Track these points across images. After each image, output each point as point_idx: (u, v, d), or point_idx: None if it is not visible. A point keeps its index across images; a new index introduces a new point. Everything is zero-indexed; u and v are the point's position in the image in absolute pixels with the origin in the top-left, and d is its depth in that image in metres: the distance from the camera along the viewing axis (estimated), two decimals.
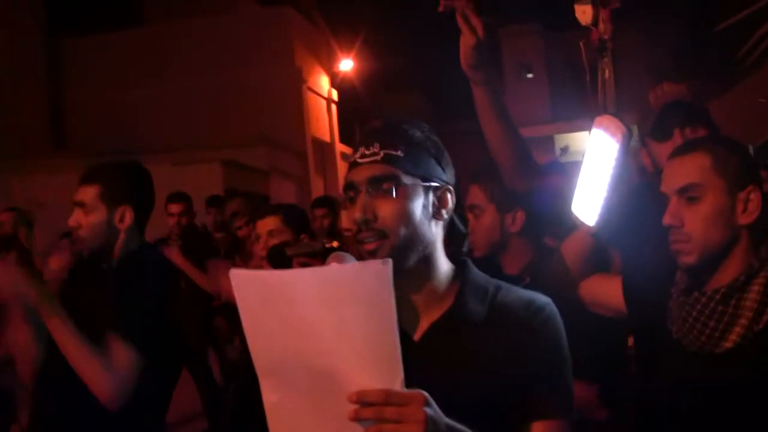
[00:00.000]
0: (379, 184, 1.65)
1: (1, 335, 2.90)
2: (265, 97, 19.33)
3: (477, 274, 1.76)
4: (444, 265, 1.74)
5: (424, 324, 1.69)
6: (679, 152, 2.12)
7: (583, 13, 4.43)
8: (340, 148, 22.35)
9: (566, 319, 1.72)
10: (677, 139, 2.77)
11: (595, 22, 4.48)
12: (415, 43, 24.14)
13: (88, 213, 2.83)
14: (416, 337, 1.68)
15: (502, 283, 1.76)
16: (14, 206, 5.64)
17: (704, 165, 2.01)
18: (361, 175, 1.67)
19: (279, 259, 2.55)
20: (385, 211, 1.64)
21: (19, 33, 18.67)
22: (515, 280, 2.24)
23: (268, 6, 20.68)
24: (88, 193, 2.85)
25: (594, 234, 2.42)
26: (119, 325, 2.64)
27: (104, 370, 2.57)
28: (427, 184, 1.67)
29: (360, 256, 1.67)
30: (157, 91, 19.53)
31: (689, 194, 2.01)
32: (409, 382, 1.57)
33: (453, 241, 1.81)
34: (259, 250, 3.54)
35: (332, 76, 22.82)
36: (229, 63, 19.44)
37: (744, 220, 1.99)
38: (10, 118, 17.48)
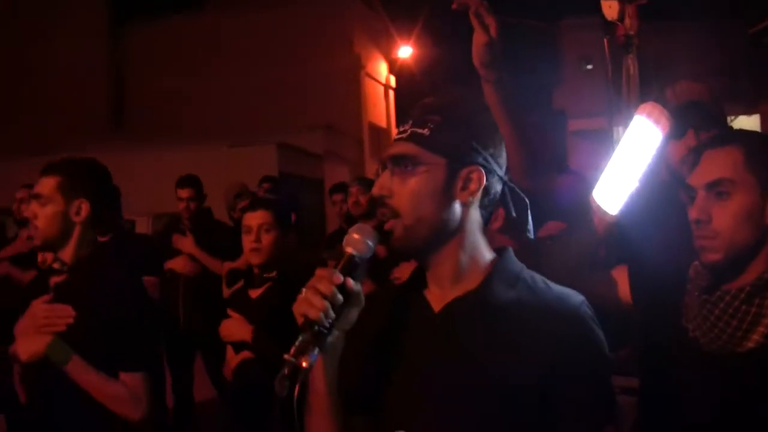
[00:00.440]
0: (399, 162, 1.65)
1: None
2: (323, 82, 19.42)
3: (512, 261, 1.72)
4: (480, 248, 1.70)
5: (446, 300, 1.67)
6: (710, 145, 2.03)
7: (609, 8, 4.34)
8: (396, 133, 22.36)
9: None
10: (690, 139, 2.69)
11: (621, 17, 4.39)
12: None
13: (44, 204, 2.85)
14: (437, 309, 1.67)
15: (538, 276, 1.71)
16: None
17: (737, 160, 1.93)
18: (388, 153, 1.69)
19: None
20: (400, 189, 1.63)
21: (81, 18, 19.02)
22: None
23: None
24: (47, 185, 2.87)
25: (615, 223, 2.34)
26: (118, 358, 2.75)
27: (129, 400, 2.71)
28: (451, 164, 1.63)
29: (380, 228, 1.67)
30: (216, 76, 19.75)
31: (719, 189, 1.93)
32: (426, 353, 1.63)
33: (507, 224, 1.81)
34: (251, 242, 3.55)
35: (391, 62, 22.82)
36: (288, 49, 19.55)
37: None
38: (72, 101, 17.85)
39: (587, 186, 2.45)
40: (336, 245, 2.80)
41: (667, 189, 2.63)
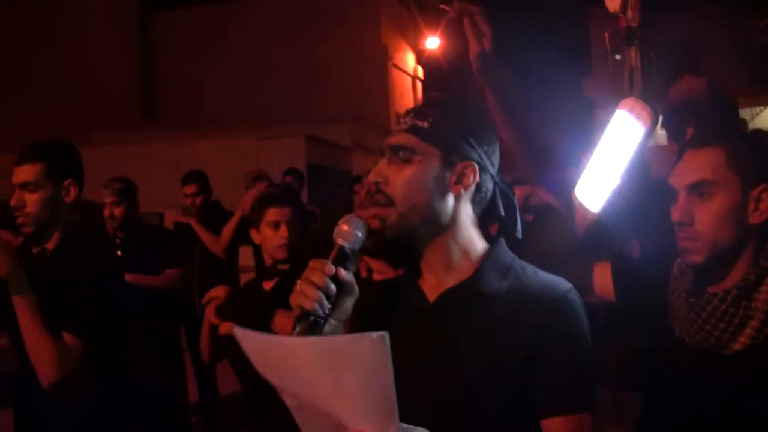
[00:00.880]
0: (396, 151, 1.70)
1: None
2: (350, 73, 19.45)
3: (503, 252, 1.77)
4: (472, 241, 1.75)
5: (440, 290, 1.73)
6: (691, 145, 2.00)
7: (612, 1, 4.30)
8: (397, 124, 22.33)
9: None
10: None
11: (623, 9, 4.34)
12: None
13: (34, 190, 2.90)
14: (431, 299, 1.74)
15: (528, 265, 1.76)
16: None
17: (718, 160, 1.90)
18: (387, 142, 1.74)
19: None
20: (396, 177, 1.68)
21: (112, 7, 19.14)
22: None
23: None
24: (32, 172, 2.91)
25: (596, 220, 2.34)
26: (70, 314, 2.77)
27: (52, 360, 2.69)
28: (446, 157, 1.69)
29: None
30: (245, 65, 19.84)
31: (701, 190, 1.91)
32: (421, 343, 1.70)
33: (485, 220, 1.81)
34: (280, 238, 3.52)
35: (418, 53, 22.78)
36: (316, 39, 19.59)
37: (755, 219, 1.89)
38: (103, 90, 17.98)
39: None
40: None
41: (650, 186, 2.59)
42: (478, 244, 1.76)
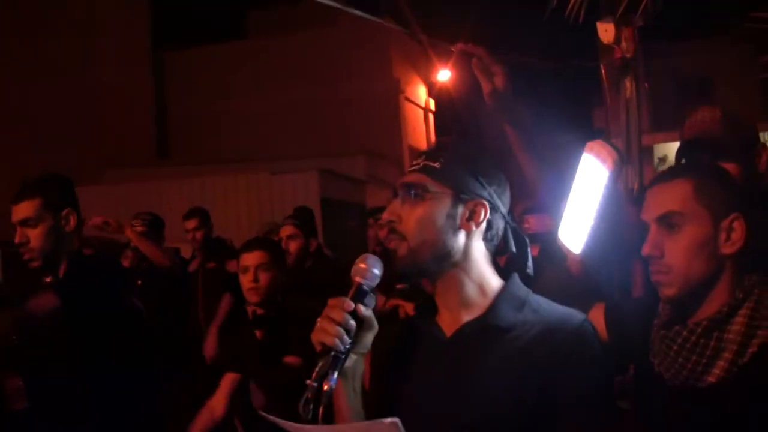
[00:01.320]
0: (409, 190, 1.77)
1: None
2: (363, 107, 19.60)
3: (518, 286, 1.82)
4: (486, 277, 1.81)
5: (457, 325, 1.78)
6: (660, 179, 2.01)
7: (605, 32, 4.29)
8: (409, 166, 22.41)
9: None
10: None
11: (617, 40, 4.34)
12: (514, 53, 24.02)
13: (35, 225, 3.00)
14: (449, 334, 1.79)
15: (542, 299, 1.81)
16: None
17: (686, 192, 1.91)
18: (400, 181, 1.82)
19: None
20: (408, 215, 1.75)
21: (125, 46, 19.35)
22: None
23: (367, 18, 20.89)
24: (30, 208, 3.01)
25: (581, 261, 2.35)
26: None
27: None
28: (457, 195, 1.76)
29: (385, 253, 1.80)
30: (258, 102, 20.02)
31: (669, 222, 1.91)
32: (438, 378, 1.75)
33: (497, 258, 1.86)
34: (249, 281, 3.65)
35: (429, 85, 22.91)
36: (328, 74, 19.77)
37: (727, 249, 1.89)
38: (117, 129, 18.13)
39: None
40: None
41: (628, 225, 2.59)
42: (492, 279, 1.81)
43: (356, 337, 1.66)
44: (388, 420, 1.46)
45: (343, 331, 1.62)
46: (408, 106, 21.31)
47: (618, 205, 2.54)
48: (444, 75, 22.41)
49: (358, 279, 1.71)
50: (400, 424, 1.45)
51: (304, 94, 19.72)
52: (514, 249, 1.87)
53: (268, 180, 14.08)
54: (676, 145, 2.88)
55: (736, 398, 1.82)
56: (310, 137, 19.00)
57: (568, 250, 2.35)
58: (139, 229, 5.69)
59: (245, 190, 13.72)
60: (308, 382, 1.58)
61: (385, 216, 1.79)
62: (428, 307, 1.86)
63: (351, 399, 1.73)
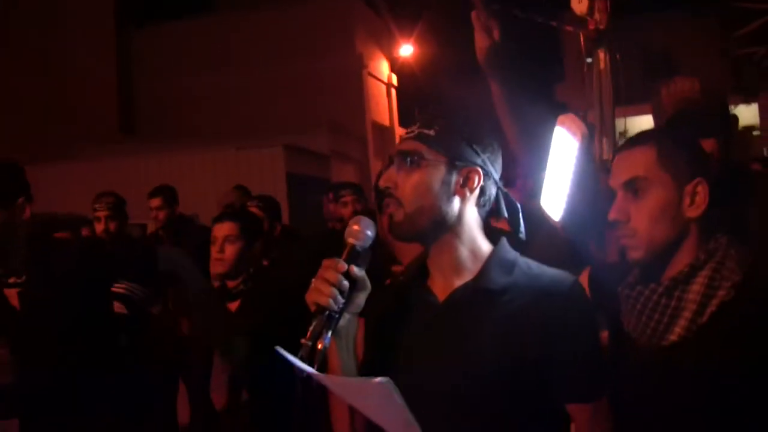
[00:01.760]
0: (404, 158, 1.80)
1: None
2: (327, 82, 19.56)
3: (507, 250, 1.86)
4: (478, 241, 1.85)
5: (449, 289, 1.83)
6: (625, 146, 2.06)
7: (579, 4, 4.28)
8: (399, 132, 22.42)
9: None
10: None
11: (591, 12, 4.34)
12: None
13: None
14: (441, 299, 1.83)
15: (532, 261, 1.86)
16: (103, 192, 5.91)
17: (649, 158, 1.95)
18: (396, 148, 1.85)
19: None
20: (404, 182, 1.78)
21: (90, 21, 19.15)
22: None
23: None
24: None
25: (561, 228, 2.42)
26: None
27: None
28: (452, 162, 1.79)
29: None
30: (223, 79, 19.89)
31: (634, 187, 1.95)
32: (434, 341, 1.78)
33: (489, 223, 1.91)
34: (215, 252, 3.62)
35: (392, 61, 22.91)
36: (292, 50, 19.68)
37: (691, 213, 1.94)
38: (81, 105, 17.99)
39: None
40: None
41: (601, 193, 2.56)
42: (483, 244, 1.85)
43: (349, 297, 1.70)
44: (380, 379, 1.50)
45: (336, 292, 1.66)
46: (371, 81, 21.32)
47: (590, 175, 2.60)
48: (406, 50, 22.43)
49: (351, 240, 1.74)
50: (392, 385, 1.49)
51: (268, 69, 19.63)
52: (506, 214, 1.90)
53: (233, 156, 14.10)
54: (637, 119, 2.92)
55: (695, 356, 1.86)
56: (274, 113, 18.93)
57: (549, 217, 2.43)
58: (102, 213, 5.61)
59: (211, 166, 13.70)
60: (303, 341, 1.61)
61: (382, 183, 1.82)
62: (419, 272, 1.90)
63: (344, 358, 1.76)
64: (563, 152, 2.38)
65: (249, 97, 19.58)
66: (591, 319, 1.78)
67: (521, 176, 3.78)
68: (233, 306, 3.65)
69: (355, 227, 1.75)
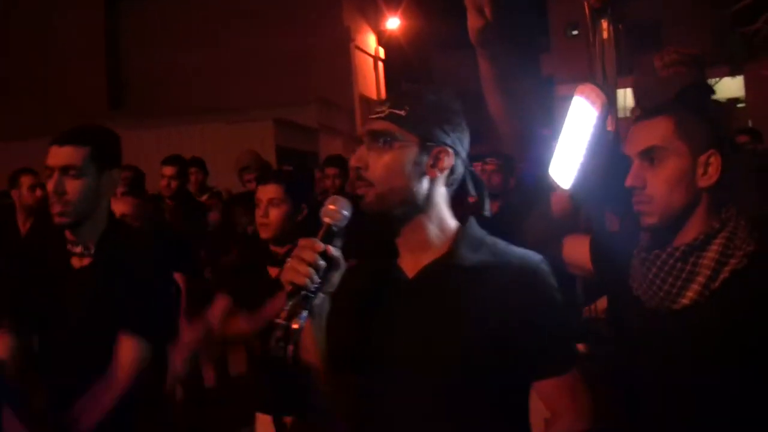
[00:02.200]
0: (375, 138, 1.77)
1: None
2: (314, 56, 19.58)
3: (475, 229, 1.86)
4: (446, 219, 1.84)
5: (418, 267, 1.82)
6: (643, 117, 2.11)
7: None
8: (373, 113, 22.32)
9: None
10: None
11: None
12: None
13: (77, 177, 2.56)
14: (411, 275, 1.82)
15: (500, 240, 1.86)
16: None
17: (667, 129, 2.00)
18: (366, 128, 1.82)
19: None
20: (376, 162, 1.77)
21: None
22: None
23: None
24: (76, 156, 2.56)
25: (570, 196, 2.46)
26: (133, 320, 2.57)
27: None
28: (423, 143, 1.77)
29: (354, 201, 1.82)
30: (213, 53, 19.84)
31: (651, 156, 2.00)
32: (404, 318, 1.79)
33: (457, 202, 1.91)
34: (259, 216, 3.42)
35: (379, 34, 22.91)
36: (280, 24, 19.66)
37: (703, 183, 1.98)
38: (70, 80, 17.95)
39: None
40: None
41: (614, 160, 2.60)
42: (450, 222, 1.84)
43: (325, 276, 1.67)
44: None
45: (313, 271, 1.64)
46: (358, 54, 21.35)
47: (605, 144, 2.62)
48: (393, 23, 22.45)
49: (327, 220, 1.72)
50: None
51: (256, 43, 19.60)
52: (473, 192, 1.90)
53: (225, 129, 14.16)
54: (620, 92, 2.96)
55: (706, 320, 1.91)
56: (262, 85, 18.93)
57: (558, 186, 2.43)
58: (119, 190, 5.56)
59: (201, 140, 13.72)
60: (278, 320, 1.60)
61: (353, 162, 1.79)
62: (387, 250, 1.88)
63: (318, 337, 1.76)
64: (580, 120, 2.43)
65: (238, 72, 19.56)
66: (558, 296, 1.79)
67: (518, 154, 3.80)
68: (274, 271, 3.43)
69: (331, 207, 1.73)
